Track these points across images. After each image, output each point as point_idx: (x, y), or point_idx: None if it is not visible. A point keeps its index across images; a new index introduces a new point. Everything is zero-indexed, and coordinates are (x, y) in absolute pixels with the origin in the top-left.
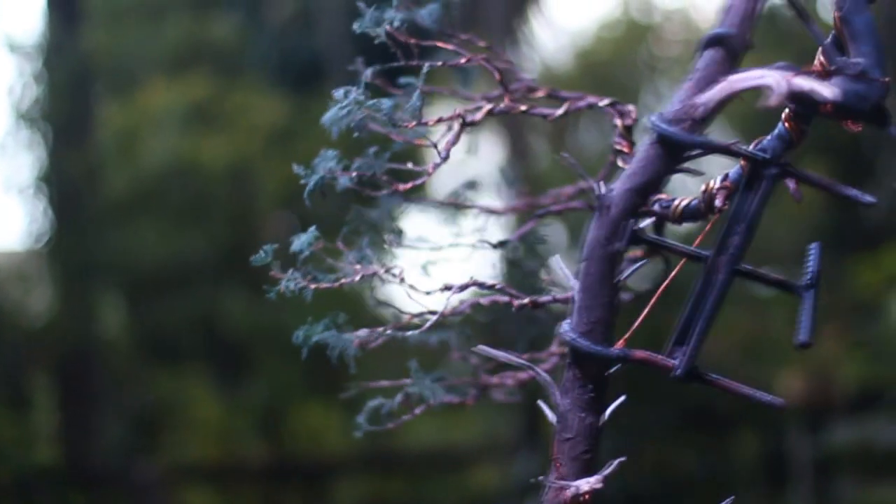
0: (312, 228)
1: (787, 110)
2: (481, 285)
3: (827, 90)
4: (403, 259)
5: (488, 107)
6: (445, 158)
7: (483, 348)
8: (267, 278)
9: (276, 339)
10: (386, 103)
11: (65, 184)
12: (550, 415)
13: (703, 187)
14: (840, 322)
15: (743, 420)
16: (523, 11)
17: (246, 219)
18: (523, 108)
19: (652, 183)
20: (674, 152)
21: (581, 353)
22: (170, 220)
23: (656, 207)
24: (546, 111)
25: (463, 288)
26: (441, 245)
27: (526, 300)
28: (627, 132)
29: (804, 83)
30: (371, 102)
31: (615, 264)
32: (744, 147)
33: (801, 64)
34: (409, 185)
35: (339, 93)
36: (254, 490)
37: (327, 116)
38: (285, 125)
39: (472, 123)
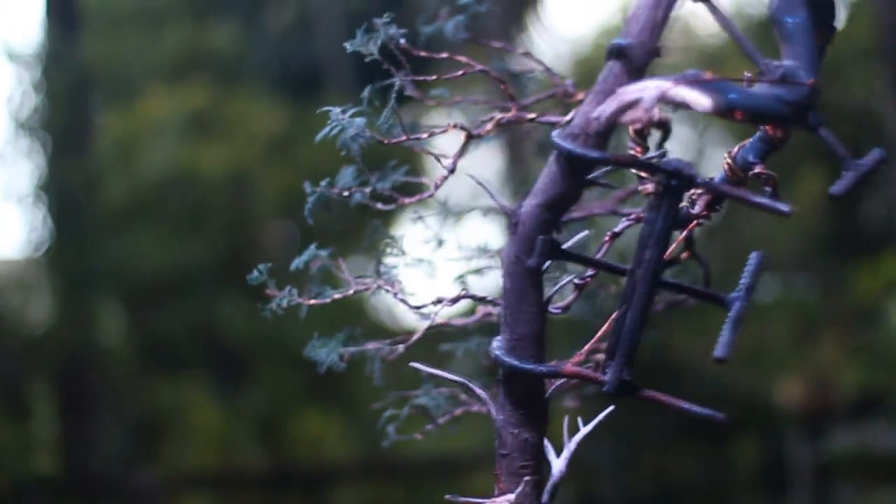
0: (312, 247)
1: None
2: (472, 297)
3: (704, 100)
4: (405, 269)
5: (496, 118)
6: (452, 171)
7: (416, 365)
8: (266, 287)
9: (275, 346)
10: (381, 117)
11: (64, 192)
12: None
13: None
14: (840, 328)
15: (743, 426)
16: (522, 20)
17: (245, 227)
18: (531, 116)
19: (560, 198)
20: (575, 167)
21: (508, 369)
22: (169, 228)
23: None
24: (554, 118)
25: (454, 300)
26: (444, 254)
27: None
28: (640, 137)
29: (679, 94)
30: (359, 121)
31: (535, 280)
32: (649, 159)
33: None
34: (416, 198)
35: (335, 111)
36: (253, 498)
37: (320, 134)
38: (285, 133)
39: (479, 136)
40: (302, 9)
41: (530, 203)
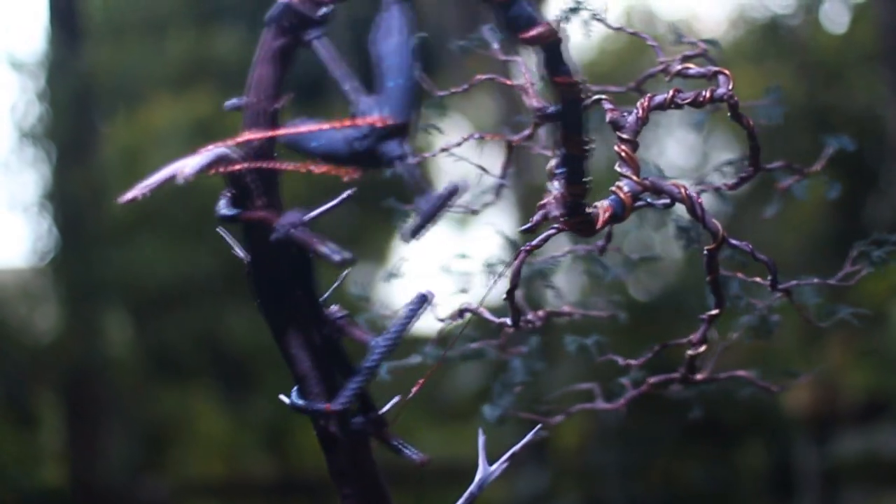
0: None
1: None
2: (470, 311)
3: (193, 164)
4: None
5: (534, 123)
6: (503, 180)
7: (282, 397)
8: None
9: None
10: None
11: (69, 201)
12: None
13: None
14: (845, 331)
15: (750, 431)
16: (490, 26)
17: None
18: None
19: None
20: None
21: (296, 408)
22: (174, 236)
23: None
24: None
25: (458, 315)
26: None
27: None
28: (625, 143)
29: (189, 164)
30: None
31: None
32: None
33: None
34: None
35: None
36: None
37: None
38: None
39: (516, 143)
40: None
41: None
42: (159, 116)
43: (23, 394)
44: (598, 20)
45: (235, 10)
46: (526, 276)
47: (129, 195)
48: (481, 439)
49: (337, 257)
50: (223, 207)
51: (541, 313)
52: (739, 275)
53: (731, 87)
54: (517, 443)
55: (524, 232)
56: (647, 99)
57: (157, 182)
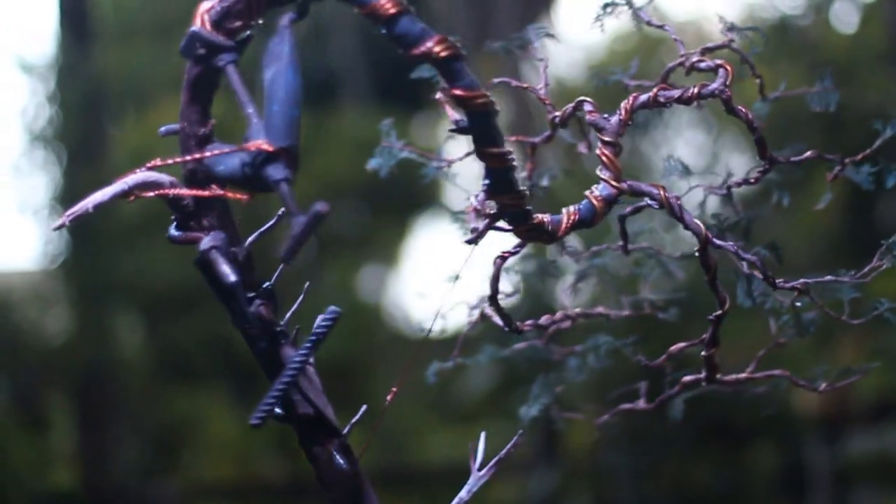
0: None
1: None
2: (484, 318)
3: (110, 191)
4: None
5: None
6: (534, 185)
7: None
8: (280, 295)
9: None
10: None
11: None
12: None
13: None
14: (857, 331)
15: (760, 432)
16: (535, 26)
17: (262, 237)
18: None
19: None
20: None
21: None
22: None
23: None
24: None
25: (473, 325)
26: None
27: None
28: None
29: (107, 191)
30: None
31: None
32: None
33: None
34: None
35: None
36: None
37: (373, 162)
38: (300, 142)
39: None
40: (316, 18)
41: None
42: (169, 119)
43: (34, 397)
44: (637, 16)
45: None
46: (534, 274)
47: (57, 223)
48: (481, 443)
49: (231, 278)
50: (171, 229)
51: (574, 312)
52: (756, 273)
53: (727, 81)
54: (529, 445)
55: (468, 243)
56: (630, 99)
57: (81, 208)
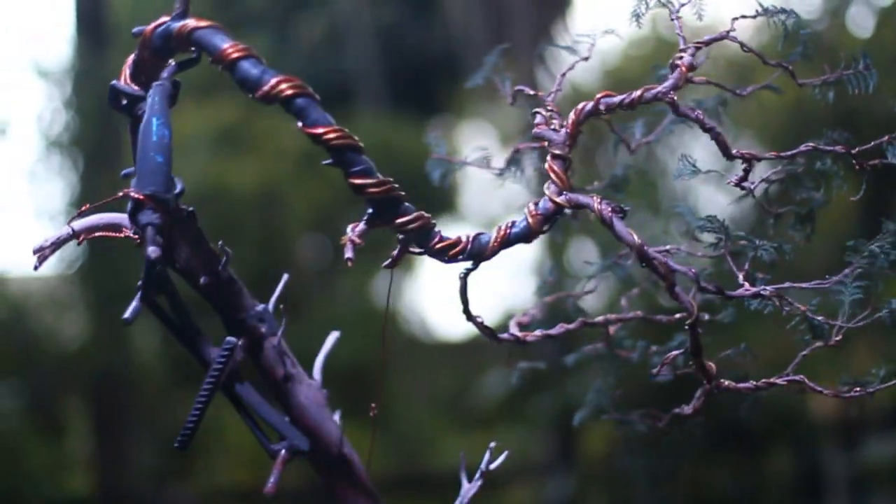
0: None
1: None
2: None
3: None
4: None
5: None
6: (567, 192)
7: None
8: (294, 300)
9: (306, 360)
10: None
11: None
12: None
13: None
14: (873, 334)
15: (776, 437)
16: (550, 32)
17: (276, 242)
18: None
19: None
20: None
21: None
22: None
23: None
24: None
25: (497, 337)
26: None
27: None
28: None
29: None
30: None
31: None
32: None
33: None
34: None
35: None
36: None
37: (435, 175)
38: (315, 148)
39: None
40: (332, 22)
41: None
42: (184, 124)
43: (50, 401)
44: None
45: (260, 17)
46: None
47: (35, 259)
48: (486, 453)
49: (134, 304)
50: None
51: (611, 317)
52: (760, 275)
53: (679, 83)
54: (549, 450)
55: (386, 267)
56: (576, 111)
57: (55, 240)
